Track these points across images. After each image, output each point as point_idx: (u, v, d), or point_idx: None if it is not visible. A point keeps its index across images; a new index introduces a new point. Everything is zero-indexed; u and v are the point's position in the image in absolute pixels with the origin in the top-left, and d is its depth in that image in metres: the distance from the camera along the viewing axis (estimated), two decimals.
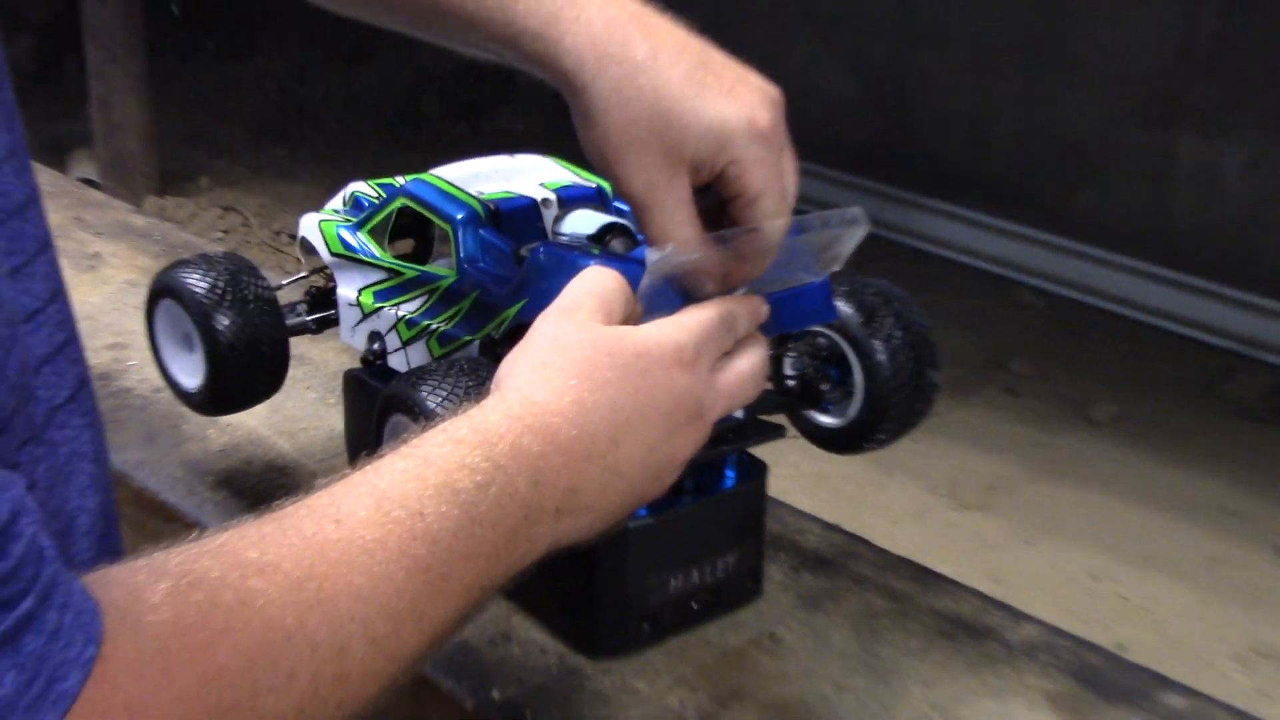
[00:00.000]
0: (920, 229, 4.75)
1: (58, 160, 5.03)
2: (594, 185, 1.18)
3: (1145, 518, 3.27)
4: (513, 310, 1.04)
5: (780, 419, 1.17)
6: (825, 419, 1.18)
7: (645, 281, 0.87)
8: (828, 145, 5.10)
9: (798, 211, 0.93)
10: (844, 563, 1.27)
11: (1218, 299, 4.11)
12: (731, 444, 1.10)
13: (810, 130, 5.01)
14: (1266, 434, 3.64)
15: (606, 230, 1.09)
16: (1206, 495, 3.35)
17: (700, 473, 1.12)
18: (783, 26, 5.22)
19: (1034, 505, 3.34)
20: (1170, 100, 4.40)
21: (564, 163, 1.23)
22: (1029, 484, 3.43)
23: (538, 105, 5.74)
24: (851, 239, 1.00)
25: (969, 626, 1.19)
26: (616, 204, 1.17)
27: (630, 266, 0.92)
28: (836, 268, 1.04)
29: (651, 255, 0.87)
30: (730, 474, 1.13)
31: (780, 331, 1.08)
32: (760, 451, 1.17)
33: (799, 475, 3.29)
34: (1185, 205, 4.43)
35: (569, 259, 1.00)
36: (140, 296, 1.27)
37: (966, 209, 4.68)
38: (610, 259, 0.99)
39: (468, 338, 1.10)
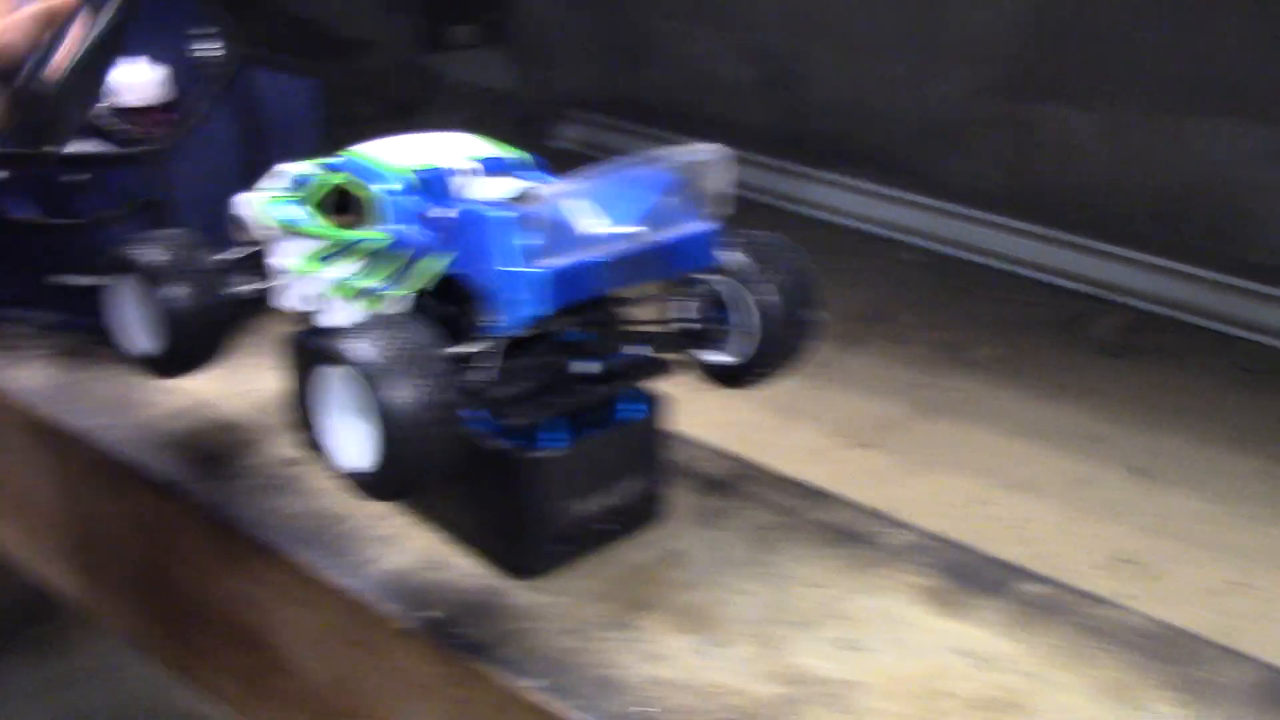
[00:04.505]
0: (813, 199, 4.77)
1: None
2: (514, 158, 1.18)
3: (1018, 447, 3.31)
4: (440, 265, 1.04)
5: (679, 356, 1.18)
6: (720, 356, 1.19)
7: None
8: (728, 128, 5.10)
9: None
10: (737, 484, 1.29)
11: (1076, 249, 4.17)
12: (627, 379, 1.11)
13: (712, 114, 4.96)
14: (1121, 367, 3.70)
15: (523, 196, 1.10)
16: (1071, 424, 3.40)
17: (603, 407, 1.13)
18: (685, 21, 5.21)
19: (921, 441, 3.37)
20: (1030, 75, 4.45)
21: (487, 139, 1.23)
22: (916, 422, 3.46)
23: (464, 101, 5.70)
24: (718, 171, 1.02)
25: (850, 534, 1.22)
26: (536, 173, 1.18)
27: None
28: (723, 211, 1.05)
29: None
30: (630, 407, 1.15)
31: (668, 276, 1.09)
32: (676, 397, 1.19)
33: (712, 423, 3.28)
34: (1046, 168, 4.49)
35: (486, 215, 1.01)
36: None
37: (854, 179, 4.71)
38: (524, 212, 1.00)
39: (399, 293, 1.10)
